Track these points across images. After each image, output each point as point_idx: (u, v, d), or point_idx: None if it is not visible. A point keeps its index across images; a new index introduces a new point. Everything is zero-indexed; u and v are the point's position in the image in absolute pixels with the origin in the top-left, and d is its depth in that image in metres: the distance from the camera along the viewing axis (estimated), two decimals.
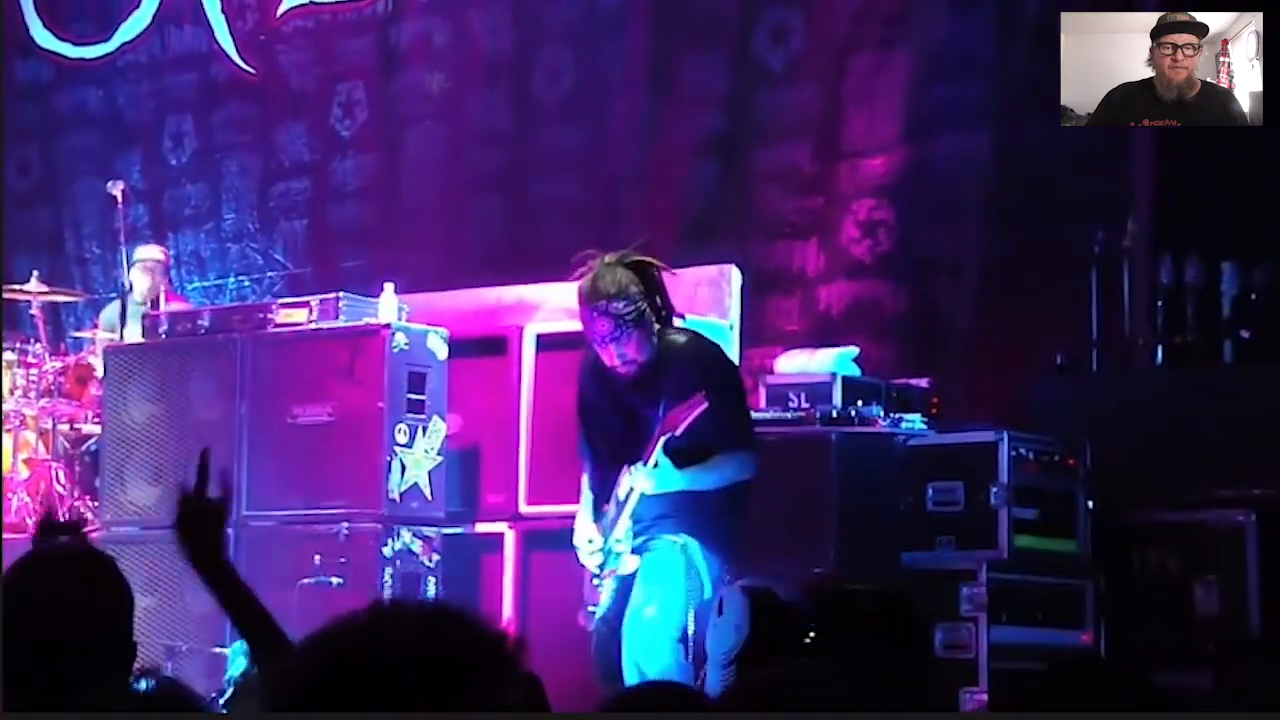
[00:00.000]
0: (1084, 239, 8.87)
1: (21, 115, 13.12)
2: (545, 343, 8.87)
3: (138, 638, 3.26)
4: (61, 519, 4.06)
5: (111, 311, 10.90)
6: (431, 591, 8.59)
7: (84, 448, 10.48)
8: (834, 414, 8.10)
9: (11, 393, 10.32)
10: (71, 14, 13.31)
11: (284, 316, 9.08)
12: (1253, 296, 8.45)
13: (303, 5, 12.29)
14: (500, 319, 9.31)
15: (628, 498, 6.56)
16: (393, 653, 1.98)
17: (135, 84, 12.98)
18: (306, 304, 9.10)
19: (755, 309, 9.68)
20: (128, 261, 10.85)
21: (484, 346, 9.07)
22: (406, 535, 8.62)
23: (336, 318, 8.93)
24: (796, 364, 8.75)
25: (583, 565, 6.77)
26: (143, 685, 3.19)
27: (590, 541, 6.72)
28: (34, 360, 10.45)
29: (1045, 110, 8.58)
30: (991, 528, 7.67)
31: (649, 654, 6.46)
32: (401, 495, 8.62)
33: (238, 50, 12.51)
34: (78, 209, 12.92)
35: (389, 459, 8.58)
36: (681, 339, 6.76)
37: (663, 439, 6.40)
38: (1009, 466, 7.69)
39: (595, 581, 6.72)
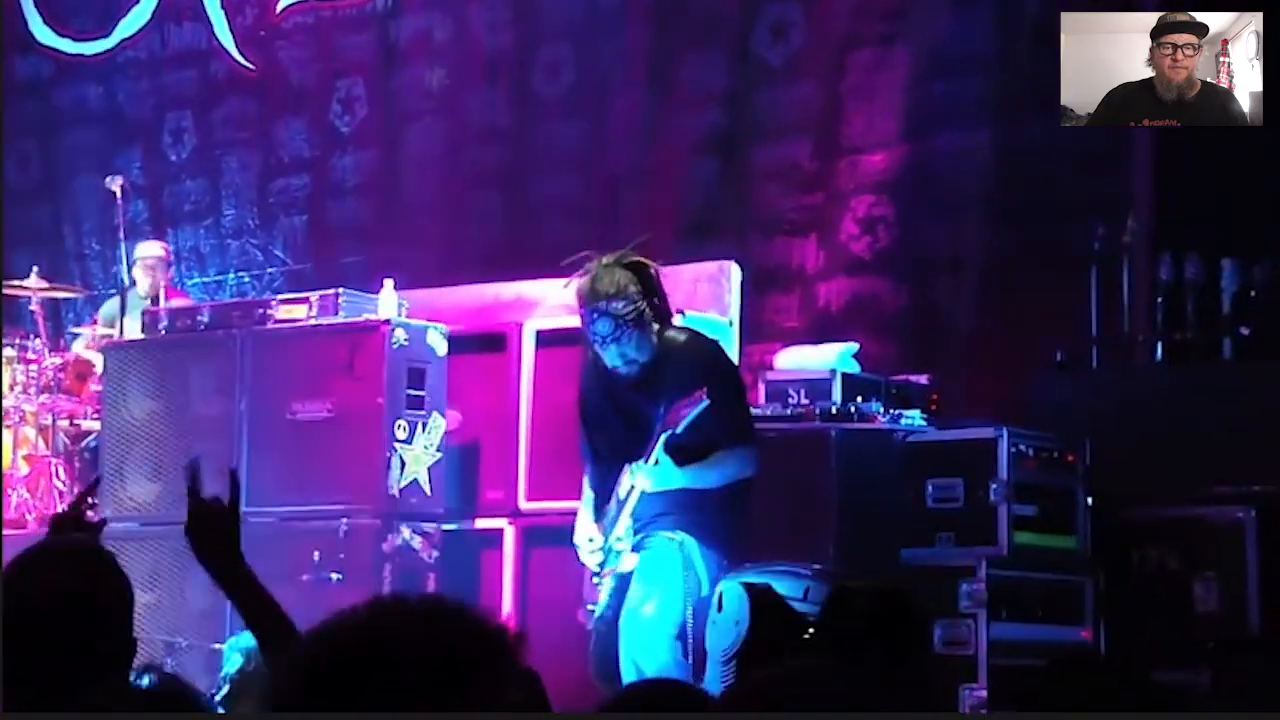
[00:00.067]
0: (1084, 236, 8.87)
1: (21, 111, 13.13)
2: (545, 339, 8.88)
3: (138, 634, 3.25)
4: (79, 516, 4.04)
5: (111, 307, 10.91)
6: (431, 587, 8.59)
7: (84, 444, 10.49)
8: (834, 410, 8.10)
9: (11, 389, 10.32)
10: (71, 10, 13.32)
11: (284, 312, 9.09)
12: (1253, 293, 8.45)
13: (303, 1, 12.29)
14: (500, 315, 9.32)
15: (628, 496, 6.57)
16: (393, 647, 1.98)
17: (135, 80, 12.98)
18: (306, 300, 9.11)
19: (755, 305, 9.69)
20: (128, 258, 10.85)
21: (484, 343, 9.08)
22: (406, 531, 8.62)
23: (336, 314, 8.94)
24: (796, 360, 8.75)
25: (583, 564, 6.78)
26: (145, 681, 3.19)
27: (590, 541, 6.73)
28: (34, 356, 10.46)
29: (1045, 110, 8.59)
30: (991, 524, 7.67)
31: (647, 652, 6.46)
32: (401, 491, 8.62)
33: (237, 46, 12.52)
34: (77, 205, 12.92)
35: (388, 455, 8.59)
36: (681, 338, 6.77)
37: (663, 435, 6.41)
38: (1009, 463, 7.69)
39: (595, 580, 6.73)
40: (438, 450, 8.75)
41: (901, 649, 4.62)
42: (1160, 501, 7.93)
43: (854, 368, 8.60)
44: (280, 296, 9.66)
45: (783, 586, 6.23)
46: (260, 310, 9.21)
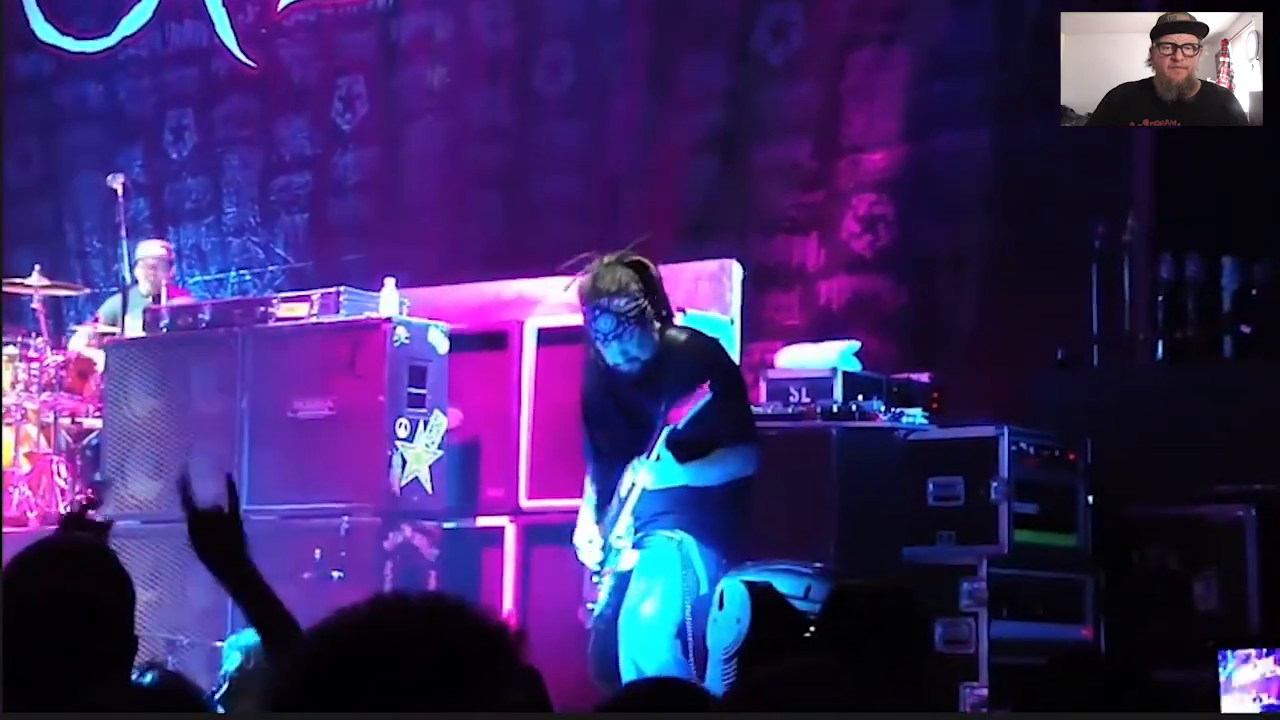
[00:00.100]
0: (1084, 235, 8.88)
1: (23, 109, 13.13)
2: (546, 337, 8.88)
3: (139, 631, 3.26)
4: (89, 516, 4.04)
5: (112, 305, 10.91)
6: (432, 585, 8.59)
7: (85, 441, 10.49)
8: (834, 409, 8.10)
9: (13, 386, 10.32)
10: (73, 8, 13.32)
11: (285, 310, 9.09)
12: (1253, 292, 8.46)
13: None
14: (501, 313, 9.33)
15: (629, 494, 6.57)
16: (394, 645, 1.99)
17: (136, 78, 12.98)
18: (307, 298, 9.11)
19: (756, 304, 9.69)
20: (129, 256, 10.86)
21: (485, 341, 9.08)
22: (407, 529, 8.63)
23: (337, 312, 8.94)
24: (797, 359, 8.75)
25: (583, 562, 6.78)
26: (147, 679, 3.20)
27: (591, 541, 6.73)
28: (35, 354, 10.46)
29: (1045, 109, 8.59)
30: (992, 522, 7.67)
31: (646, 650, 6.46)
32: (402, 489, 8.62)
33: (239, 44, 12.52)
34: (78, 203, 12.92)
35: (390, 453, 8.59)
36: (683, 336, 6.78)
37: (665, 430, 6.41)
38: (1009, 461, 7.69)
39: (595, 579, 6.73)
40: (439, 448, 8.75)
41: (902, 647, 4.62)
42: (1161, 500, 7.93)
43: (855, 366, 8.60)
44: (281, 295, 9.67)
45: (784, 585, 6.23)
46: (261, 308, 9.21)
